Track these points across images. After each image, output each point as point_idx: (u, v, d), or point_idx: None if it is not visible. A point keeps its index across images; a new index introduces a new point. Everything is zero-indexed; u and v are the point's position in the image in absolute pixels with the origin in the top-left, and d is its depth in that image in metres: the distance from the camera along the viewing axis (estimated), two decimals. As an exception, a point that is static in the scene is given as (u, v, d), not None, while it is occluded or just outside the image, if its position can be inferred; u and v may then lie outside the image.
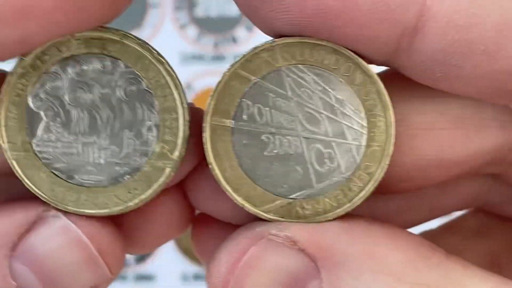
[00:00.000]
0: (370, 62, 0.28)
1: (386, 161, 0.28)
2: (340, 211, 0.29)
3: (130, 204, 0.29)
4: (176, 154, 0.28)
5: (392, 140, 0.28)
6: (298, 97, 0.28)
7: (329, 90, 0.28)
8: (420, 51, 0.26)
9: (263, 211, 0.29)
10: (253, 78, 0.28)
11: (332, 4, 0.26)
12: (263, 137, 0.28)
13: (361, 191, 0.28)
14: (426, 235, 0.35)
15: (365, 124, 0.28)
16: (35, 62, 0.28)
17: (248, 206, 0.29)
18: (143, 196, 0.29)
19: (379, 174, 0.28)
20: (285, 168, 0.29)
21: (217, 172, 0.29)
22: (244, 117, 0.28)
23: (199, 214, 0.32)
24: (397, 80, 0.29)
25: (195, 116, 0.29)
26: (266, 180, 0.29)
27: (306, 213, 0.29)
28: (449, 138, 0.29)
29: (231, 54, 0.75)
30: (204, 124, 0.28)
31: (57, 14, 0.26)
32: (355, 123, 0.28)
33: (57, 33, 0.27)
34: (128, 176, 0.29)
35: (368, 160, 0.28)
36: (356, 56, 0.28)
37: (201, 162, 0.30)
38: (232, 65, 0.28)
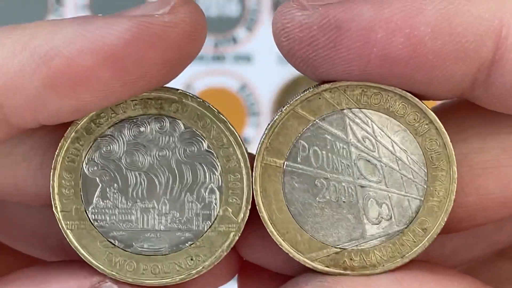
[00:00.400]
0: (440, 98, 0.27)
1: (444, 218, 0.27)
2: (390, 266, 0.27)
3: (193, 272, 0.27)
4: (240, 216, 0.27)
5: (452, 197, 0.27)
6: (358, 142, 0.27)
7: (392, 138, 0.27)
8: (498, 84, 0.25)
9: (309, 259, 0.27)
10: (312, 118, 0.27)
11: (401, 52, 0.24)
12: (316, 181, 0.27)
13: (414, 247, 0.27)
14: (479, 262, 0.33)
15: (425, 177, 0.27)
16: (89, 125, 0.26)
17: (293, 253, 0.27)
18: (206, 263, 0.27)
19: (434, 231, 0.27)
20: (336, 216, 0.27)
21: (264, 214, 0.27)
22: (299, 159, 0.27)
23: (246, 263, 0.31)
24: (454, 117, 0.28)
25: None
26: (315, 227, 0.27)
27: (354, 265, 0.27)
28: None
29: (231, 54, 0.73)
30: (255, 163, 0.27)
31: (114, 85, 0.24)
32: (415, 175, 0.27)
33: (113, 102, 0.26)
34: (190, 243, 0.27)
35: (425, 215, 0.27)
36: (424, 106, 0.26)
37: (251, 209, 0.28)
38: (291, 103, 0.26)
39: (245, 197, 0.27)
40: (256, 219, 0.27)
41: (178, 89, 0.26)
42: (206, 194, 0.27)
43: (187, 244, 0.27)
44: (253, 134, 0.70)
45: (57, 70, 0.24)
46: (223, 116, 0.27)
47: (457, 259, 0.32)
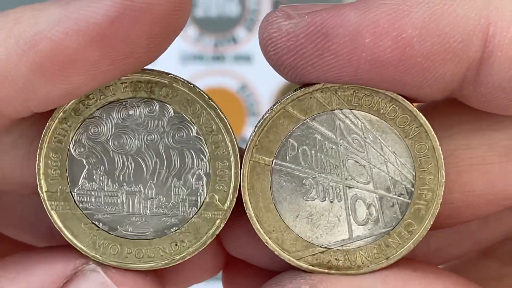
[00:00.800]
0: (430, 100, 0.27)
1: (431, 221, 0.27)
2: (374, 266, 0.27)
3: (177, 257, 0.27)
4: (227, 204, 0.27)
5: (439, 201, 0.27)
6: (348, 143, 0.27)
7: (381, 140, 0.27)
8: (486, 82, 0.25)
9: (294, 258, 0.27)
10: (302, 117, 0.27)
11: (389, 56, 0.24)
12: (304, 181, 0.27)
13: (399, 248, 0.27)
14: (464, 261, 0.34)
15: (413, 180, 0.27)
16: (78, 106, 0.26)
17: (279, 251, 0.27)
18: (190, 249, 0.27)
19: (420, 234, 0.27)
20: (322, 216, 0.27)
21: (251, 211, 0.27)
22: (288, 158, 0.27)
23: (231, 257, 0.31)
24: (441, 115, 0.28)
25: None
26: (301, 226, 0.27)
27: (339, 264, 0.27)
28: (500, 172, 0.28)
29: (231, 54, 0.73)
30: (243, 160, 0.27)
31: (103, 64, 0.24)
32: (403, 178, 0.27)
33: (103, 82, 0.25)
34: (175, 228, 0.27)
35: (411, 218, 0.27)
36: (414, 109, 0.26)
37: (236, 204, 0.28)
38: (282, 102, 0.27)
39: (232, 184, 0.27)
40: (242, 209, 0.27)
41: (169, 73, 0.26)
42: (193, 180, 0.27)
43: (172, 230, 0.27)
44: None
45: (44, 55, 0.23)
46: (213, 102, 0.26)
47: (442, 256, 0.32)
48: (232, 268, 0.31)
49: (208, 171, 0.27)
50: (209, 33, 0.73)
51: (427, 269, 0.27)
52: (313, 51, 0.25)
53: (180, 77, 0.26)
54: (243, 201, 0.27)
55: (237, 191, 0.27)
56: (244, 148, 0.27)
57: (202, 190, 0.27)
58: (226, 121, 0.26)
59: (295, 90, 0.27)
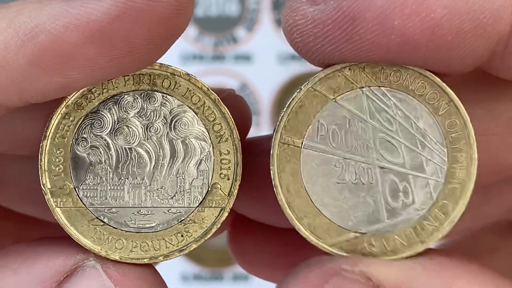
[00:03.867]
0: (458, 73, 0.26)
1: (465, 202, 0.26)
2: (410, 252, 0.26)
3: (183, 248, 0.27)
4: (231, 192, 0.27)
5: (474, 179, 0.26)
6: (377, 122, 0.26)
7: (411, 117, 0.26)
8: None
9: (327, 245, 0.26)
10: (331, 96, 0.26)
11: (419, 37, 0.24)
12: (335, 162, 0.26)
13: (435, 231, 0.26)
14: (468, 236, 0.33)
15: (446, 158, 0.26)
16: (80, 101, 0.26)
17: (311, 238, 0.26)
18: (196, 239, 0.27)
19: (455, 215, 0.26)
20: (355, 199, 0.26)
21: (281, 197, 0.26)
22: (317, 138, 0.26)
23: (237, 218, 0.31)
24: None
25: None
26: (334, 211, 0.26)
27: (373, 250, 0.26)
28: (502, 143, 0.28)
29: (231, 54, 0.73)
30: (272, 142, 0.26)
31: (101, 60, 0.24)
32: (436, 156, 0.26)
33: (101, 79, 0.25)
34: (180, 219, 0.27)
35: (446, 198, 0.26)
36: (444, 84, 0.26)
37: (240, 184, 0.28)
38: (309, 81, 0.26)
39: (235, 173, 0.27)
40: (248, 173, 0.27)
41: (170, 66, 0.26)
42: (197, 170, 0.27)
43: (177, 221, 0.27)
44: (253, 134, 0.69)
45: (43, 47, 0.23)
46: (214, 93, 0.26)
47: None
48: (238, 226, 0.31)
49: (211, 160, 0.27)
50: (209, 32, 0.73)
51: (466, 260, 0.27)
52: (341, 36, 0.24)
53: (181, 69, 0.26)
54: (273, 185, 0.26)
55: (240, 179, 0.27)
56: (273, 130, 0.26)
57: (206, 179, 0.27)
58: (226, 111, 0.26)
59: (322, 70, 0.26)
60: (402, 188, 0.26)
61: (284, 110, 0.26)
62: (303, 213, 0.26)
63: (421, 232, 0.26)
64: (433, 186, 0.26)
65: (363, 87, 0.26)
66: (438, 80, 0.26)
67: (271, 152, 0.26)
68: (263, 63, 0.71)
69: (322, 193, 0.26)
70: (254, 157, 0.28)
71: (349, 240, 0.26)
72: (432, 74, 0.26)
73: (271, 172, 0.26)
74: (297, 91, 0.26)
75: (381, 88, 0.26)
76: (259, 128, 0.70)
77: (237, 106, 0.29)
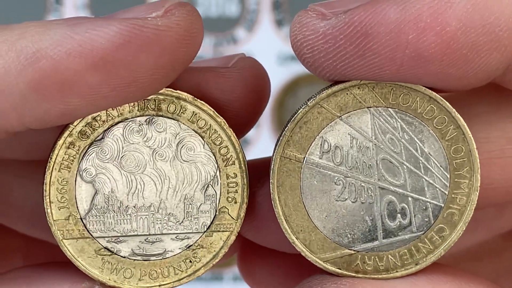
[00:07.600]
0: (469, 88, 0.26)
1: (463, 227, 0.26)
2: (404, 272, 0.26)
3: (192, 274, 0.26)
4: (238, 215, 0.26)
5: (473, 206, 0.26)
6: (382, 142, 0.26)
7: (417, 141, 0.26)
8: None
9: (321, 260, 0.26)
10: (337, 114, 0.25)
11: (434, 51, 0.24)
12: (336, 180, 0.26)
13: (429, 254, 0.26)
14: (485, 250, 0.33)
15: (448, 183, 0.26)
16: (84, 129, 0.25)
17: (306, 252, 0.26)
18: (205, 264, 0.27)
19: (452, 240, 0.26)
20: (353, 217, 0.26)
21: (279, 210, 0.26)
22: (319, 155, 0.26)
23: (246, 240, 0.30)
24: (460, 107, 0.27)
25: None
26: (330, 227, 0.26)
27: (366, 268, 0.26)
28: None
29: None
30: (273, 156, 0.26)
31: (104, 89, 0.23)
32: (438, 180, 0.26)
33: (104, 107, 0.25)
34: (188, 245, 0.26)
35: (444, 223, 0.26)
36: (453, 110, 0.25)
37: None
38: (317, 97, 0.25)
39: (242, 196, 0.26)
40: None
41: (175, 90, 0.26)
42: (204, 194, 0.26)
43: (185, 246, 0.26)
44: (253, 134, 0.69)
45: (44, 73, 0.23)
46: (220, 117, 0.26)
47: (456, 245, 0.32)
48: (247, 249, 0.31)
49: (218, 184, 0.26)
50: (209, 33, 0.71)
51: (457, 274, 0.26)
52: (353, 52, 0.24)
53: (186, 94, 0.26)
54: (271, 198, 0.26)
55: (247, 203, 0.26)
56: (275, 143, 0.26)
57: (213, 204, 0.26)
58: (232, 135, 0.26)
59: (331, 85, 0.25)
60: (400, 209, 0.26)
61: (288, 124, 0.25)
62: (300, 227, 0.26)
63: (416, 253, 0.26)
64: (432, 209, 0.26)
65: (370, 107, 0.25)
66: (447, 104, 0.25)
67: (271, 165, 0.26)
68: (263, 63, 0.69)
69: (320, 209, 0.26)
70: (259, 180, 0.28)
71: (343, 256, 0.26)
72: (442, 98, 0.25)
73: (270, 185, 0.26)
74: (303, 106, 0.25)
75: (389, 109, 0.25)
76: (259, 129, 0.69)
77: (250, 68, 0.28)
